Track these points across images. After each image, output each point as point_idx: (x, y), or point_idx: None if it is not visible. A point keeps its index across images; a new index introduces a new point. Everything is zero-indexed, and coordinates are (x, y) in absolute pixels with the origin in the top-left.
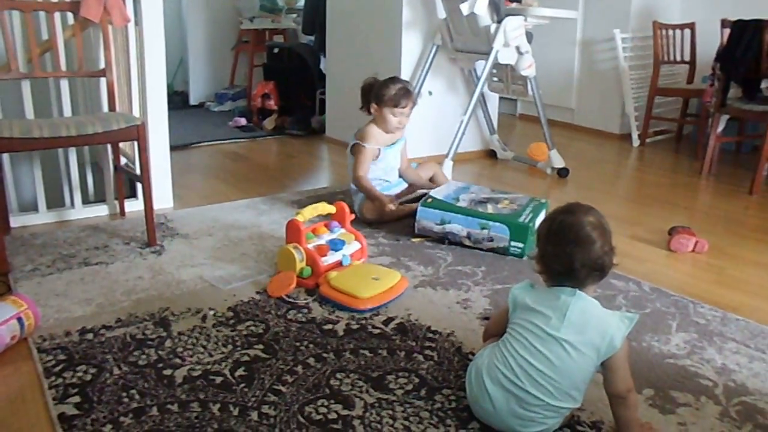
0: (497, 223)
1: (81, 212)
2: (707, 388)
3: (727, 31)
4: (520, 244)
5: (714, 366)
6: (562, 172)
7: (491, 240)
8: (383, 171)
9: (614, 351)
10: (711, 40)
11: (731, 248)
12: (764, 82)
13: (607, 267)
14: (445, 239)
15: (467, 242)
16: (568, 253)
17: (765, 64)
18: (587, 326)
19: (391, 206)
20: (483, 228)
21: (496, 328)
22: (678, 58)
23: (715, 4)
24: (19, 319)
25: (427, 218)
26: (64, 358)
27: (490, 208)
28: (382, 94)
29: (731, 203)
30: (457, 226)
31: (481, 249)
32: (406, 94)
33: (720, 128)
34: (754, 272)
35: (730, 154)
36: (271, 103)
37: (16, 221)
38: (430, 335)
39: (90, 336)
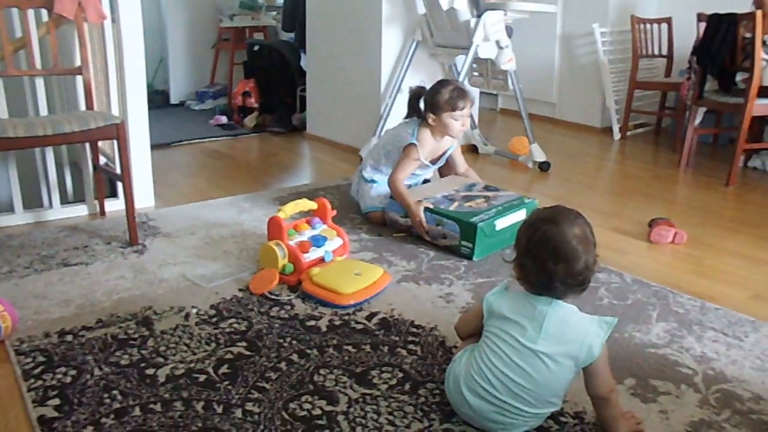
0: (450, 221)
1: (59, 212)
2: (687, 376)
3: (703, 25)
4: (469, 244)
5: (693, 354)
6: (544, 166)
7: (445, 237)
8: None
9: (593, 359)
10: (687, 34)
11: (709, 239)
12: (739, 75)
13: (588, 281)
14: (410, 232)
15: (426, 237)
16: (548, 269)
17: (740, 58)
18: (565, 336)
19: (423, 222)
20: (438, 224)
21: (468, 329)
22: (656, 52)
23: None
24: None
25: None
26: (43, 360)
27: (454, 205)
28: (437, 101)
29: (709, 195)
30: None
31: (437, 245)
32: (461, 95)
33: (697, 121)
34: (730, 262)
35: (707, 146)
36: (252, 101)
37: None
38: (414, 330)
39: (70, 337)
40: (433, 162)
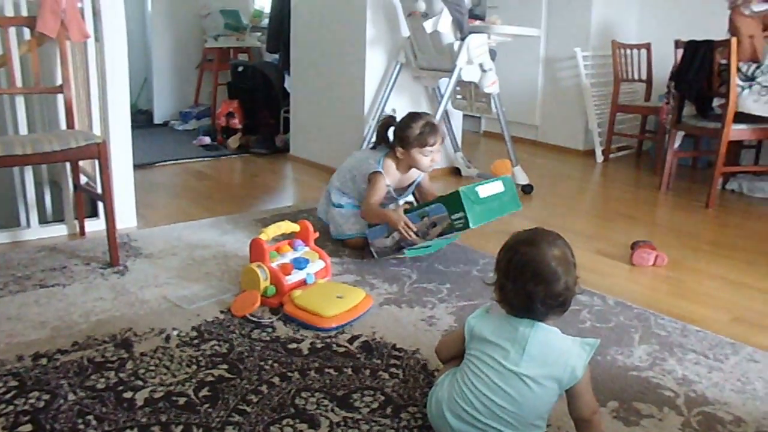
0: (432, 206)
1: (37, 232)
2: (669, 399)
3: (681, 51)
4: (460, 214)
5: (675, 377)
6: (527, 189)
7: (435, 225)
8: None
9: (576, 381)
10: (666, 60)
11: (690, 261)
12: (716, 101)
13: (569, 302)
14: (401, 248)
15: (419, 240)
16: (528, 291)
17: (716, 84)
18: (548, 359)
19: (409, 222)
20: (423, 217)
21: (449, 352)
22: (636, 77)
23: (668, 25)
24: None
25: (375, 237)
26: (15, 384)
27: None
28: (407, 136)
29: (689, 217)
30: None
31: (430, 240)
32: (432, 130)
33: (676, 144)
34: (711, 284)
35: (687, 169)
36: (236, 122)
37: None
38: (396, 353)
39: (44, 361)
40: (399, 193)
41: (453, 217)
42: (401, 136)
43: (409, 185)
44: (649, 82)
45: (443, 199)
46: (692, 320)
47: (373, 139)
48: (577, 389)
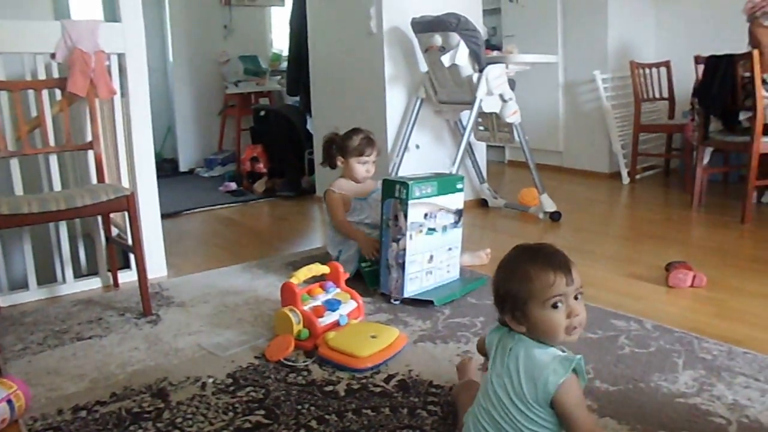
0: (383, 210)
1: (73, 286)
2: (721, 426)
3: (701, 67)
4: (397, 187)
5: (725, 402)
6: (555, 216)
7: (396, 217)
8: (370, 222)
9: (549, 396)
10: (687, 76)
11: (729, 280)
12: (742, 114)
13: (500, 306)
14: (401, 267)
15: (404, 239)
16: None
17: (741, 97)
18: (525, 372)
19: (375, 253)
20: (387, 225)
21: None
22: (657, 95)
23: (687, 42)
24: (9, 402)
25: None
26: None
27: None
28: (347, 146)
29: (725, 234)
30: (387, 249)
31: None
32: (369, 143)
33: (705, 160)
34: (754, 303)
35: (718, 184)
36: (261, 166)
37: (5, 300)
38: (433, 390)
39: (83, 413)
40: (361, 198)
41: (396, 195)
42: (342, 146)
43: (370, 192)
44: (671, 99)
45: (382, 196)
46: (738, 342)
47: (404, 173)
48: (561, 407)
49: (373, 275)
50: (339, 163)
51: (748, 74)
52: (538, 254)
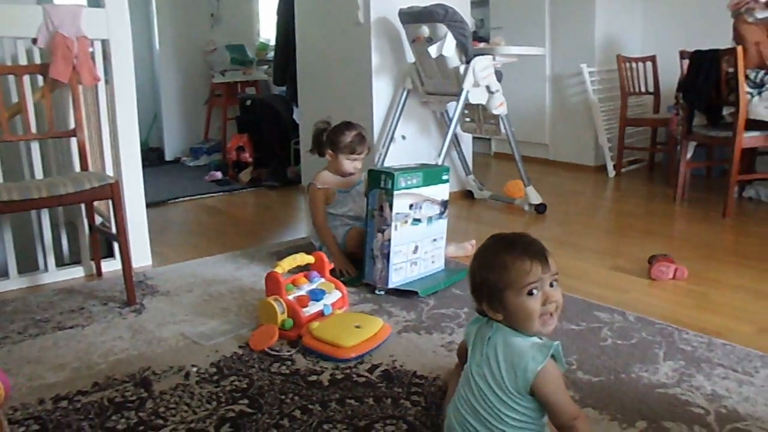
0: (368, 201)
1: (55, 275)
2: (700, 416)
3: (686, 62)
4: (383, 177)
5: (704, 393)
6: (540, 208)
7: (381, 208)
8: (353, 215)
9: (528, 383)
10: (672, 71)
11: (711, 273)
12: (726, 109)
13: (475, 295)
14: (386, 258)
15: (389, 230)
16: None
17: (725, 92)
18: (505, 360)
19: (346, 273)
20: (372, 217)
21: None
22: (643, 89)
23: (672, 37)
24: None
25: (371, 271)
26: (37, 428)
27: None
28: (338, 141)
29: (706, 228)
30: (372, 240)
31: (385, 225)
32: (361, 141)
33: (689, 155)
34: (734, 296)
35: (701, 179)
36: (246, 156)
37: None
38: (416, 380)
39: (65, 403)
40: (345, 189)
41: (382, 186)
42: (334, 140)
43: (353, 186)
44: (656, 94)
45: (368, 186)
46: (718, 333)
47: (389, 163)
48: (542, 393)
49: (350, 283)
50: (328, 156)
51: (732, 70)
52: (515, 243)
